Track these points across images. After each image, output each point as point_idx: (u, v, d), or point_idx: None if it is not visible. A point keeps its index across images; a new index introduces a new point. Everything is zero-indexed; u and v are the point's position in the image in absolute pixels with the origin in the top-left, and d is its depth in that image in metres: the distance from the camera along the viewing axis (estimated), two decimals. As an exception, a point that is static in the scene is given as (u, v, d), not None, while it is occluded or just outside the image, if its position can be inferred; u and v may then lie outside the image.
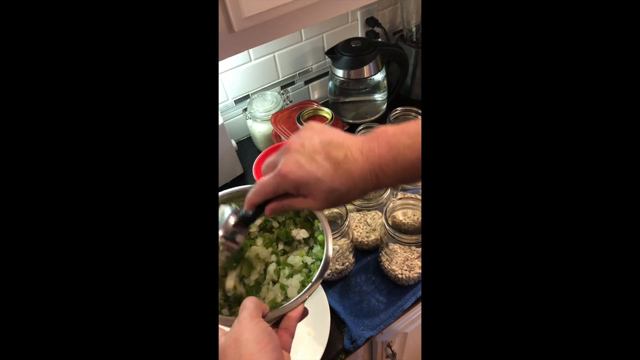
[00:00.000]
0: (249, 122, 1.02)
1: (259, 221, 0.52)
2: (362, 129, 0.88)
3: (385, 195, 0.76)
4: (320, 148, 0.37)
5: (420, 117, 0.91)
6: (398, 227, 0.76)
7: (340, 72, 0.99)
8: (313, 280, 0.44)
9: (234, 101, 1.05)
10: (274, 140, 0.99)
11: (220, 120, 0.88)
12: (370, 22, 1.10)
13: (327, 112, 0.95)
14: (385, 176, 0.37)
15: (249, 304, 0.39)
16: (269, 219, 0.53)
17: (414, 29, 1.09)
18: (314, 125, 0.40)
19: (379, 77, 1.01)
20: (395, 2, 1.15)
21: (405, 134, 0.36)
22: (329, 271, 0.76)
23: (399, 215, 0.77)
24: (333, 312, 0.73)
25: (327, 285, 0.78)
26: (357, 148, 0.37)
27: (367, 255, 0.82)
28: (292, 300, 0.43)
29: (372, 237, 0.81)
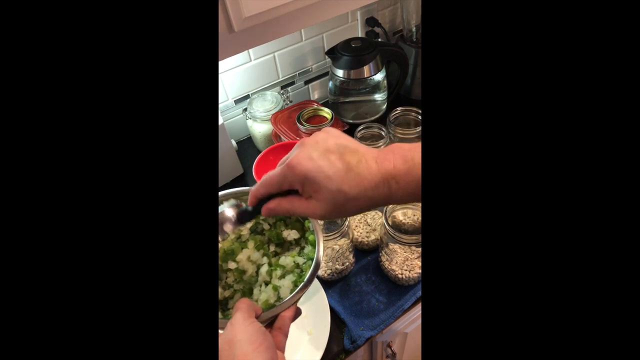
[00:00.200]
0: (249, 122, 1.02)
1: (249, 224, 0.52)
2: (362, 129, 0.88)
3: (385, 195, 0.76)
4: (335, 149, 0.36)
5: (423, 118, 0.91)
6: (398, 227, 0.76)
7: (340, 72, 0.99)
8: (305, 279, 0.45)
9: (234, 101, 1.05)
10: (274, 140, 0.99)
11: (220, 120, 0.88)
12: (370, 22, 1.10)
13: (327, 112, 0.95)
14: (398, 187, 0.35)
15: (242, 306, 0.39)
16: (260, 222, 0.53)
17: (414, 29, 1.09)
18: (332, 130, 0.39)
19: (379, 77, 1.01)
20: (395, 2, 1.15)
21: (419, 149, 0.35)
22: (329, 271, 0.76)
23: (399, 215, 0.77)
24: (333, 312, 0.73)
25: (327, 285, 0.78)
26: (372, 156, 0.36)
27: (367, 255, 0.82)
28: (284, 300, 0.43)
29: (372, 237, 0.81)
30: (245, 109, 1.02)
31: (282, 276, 0.48)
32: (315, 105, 0.98)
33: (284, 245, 0.51)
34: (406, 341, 0.96)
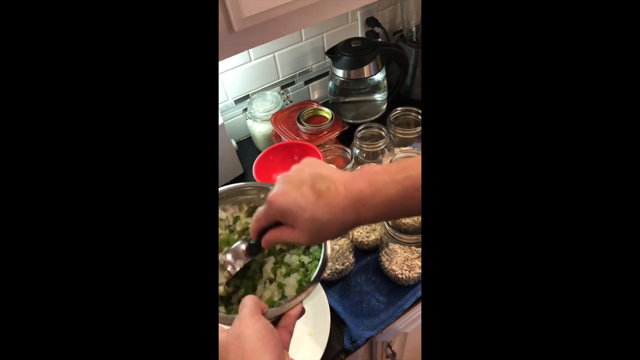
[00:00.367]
0: (249, 122, 1.02)
1: (259, 256, 0.52)
2: (362, 129, 0.88)
3: (385, 195, 0.76)
4: (307, 179, 0.39)
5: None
6: (398, 227, 0.76)
7: (340, 72, 0.99)
8: (312, 279, 0.45)
9: (234, 101, 1.05)
10: (274, 140, 0.99)
11: (220, 120, 0.88)
12: (370, 22, 1.10)
13: (327, 112, 0.95)
14: (365, 210, 0.38)
15: (249, 302, 0.39)
16: None
17: (414, 29, 1.09)
18: (311, 160, 0.43)
19: (379, 77, 1.01)
20: (395, 2, 1.15)
21: (385, 172, 0.38)
22: (328, 271, 0.76)
23: (399, 215, 0.77)
24: (333, 312, 0.73)
25: (327, 285, 0.78)
26: (342, 182, 0.39)
27: (367, 255, 0.82)
28: (291, 299, 0.43)
29: (372, 237, 0.81)
30: (245, 109, 1.02)
31: (287, 274, 0.48)
32: (315, 105, 0.98)
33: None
34: (406, 341, 0.96)
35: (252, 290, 0.48)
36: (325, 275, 0.77)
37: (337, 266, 0.76)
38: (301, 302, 0.43)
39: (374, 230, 0.81)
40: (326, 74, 1.15)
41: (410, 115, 0.91)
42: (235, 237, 0.52)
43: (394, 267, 0.74)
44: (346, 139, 0.95)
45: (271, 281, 0.48)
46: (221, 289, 0.47)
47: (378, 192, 0.37)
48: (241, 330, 0.37)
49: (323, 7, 0.63)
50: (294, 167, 0.42)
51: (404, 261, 0.73)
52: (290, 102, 1.12)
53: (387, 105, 1.07)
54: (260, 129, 1.01)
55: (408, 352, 1.02)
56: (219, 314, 0.44)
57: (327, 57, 1.04)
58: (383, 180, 0.38)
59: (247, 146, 1.10)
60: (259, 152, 0.94)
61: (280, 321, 0.42)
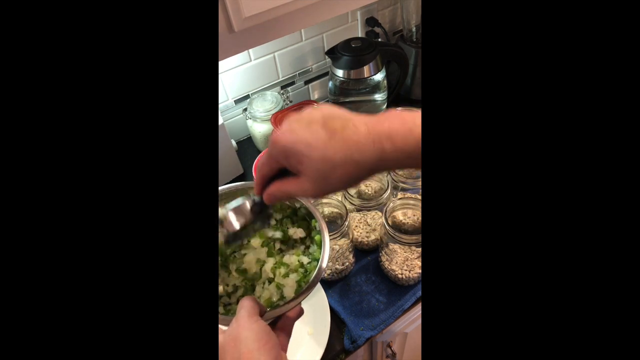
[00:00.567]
0: (249, 122, 1.02)
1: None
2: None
3: (385, 195, 0.76)
4: (319, 118, 0.34)
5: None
6: (398, 227, 0.76)
7: (340, 72, 0.99)
8: (310, 280, 0.44)
9: (234, 101, 1.05)
10: (274, 140, 0.99)
11: (220, 120, 0.88)
12: (370, 22, 1.10)
13: (327, 112, 0.95)
14: (394, 147, 0.32)
15: (247, 303, 0.39)
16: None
17: (414, 29, 1.09)
18: (323, 105, 0.37)
19: (379, 77, 1.01)
20: (395, 2, 1.15)
21: (419, 115, 0.33)
22: (328, 271, 0.76)
23: (399, 215, 0.77)
24: (333, 312, 0.73)
25: (327, 285, 0.78)
26: (362, 121, 0.34)
27: (367, 255, 0.82)
28: (289, 301, 0.42)
29: (372, 237, 0.81)
30: (245, 109, 1.02)
31: (286, 275, 0.47)
32: (315, 105, 0.98)
33: (289, 243, 0.51)
34: (406, 341, 0.96)
35: (251, 290, 0.48)
36: (325, 275, 0.77)
37: (337, 266, 0.76)
38: (299, 303, 0.43)
39: (374, 230, 0.81)
40: (326, 74, 1.15)
41: (410, 115, 0.91)
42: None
43: (394, 267, 0.74)
44: (346, 139, 0.95)
45: (270, 281, 0.48)
46: (220, 288, 0.47)
47: (415, 129, 0.32)
48: (238, 332, 0.36)
49: (323, 7, 0.63)
50: (306, 110, 0.36)
51: (404, 261, 0.73)
52: (290, 102, 1.12)
53: (387, 105, 1.07)
54: (260, 129, 1.01)
55: (408, 352, 1.02)
56: (219, 315, 0.43)
57: (327, 57, 1.04)
58: (419, 121, 0.32)
59: (247, 146, 1.10)
60: (259, 152, 0.94)
61: (278, 322, 0.41)
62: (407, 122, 0.33)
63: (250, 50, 0.99)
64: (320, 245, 0.48)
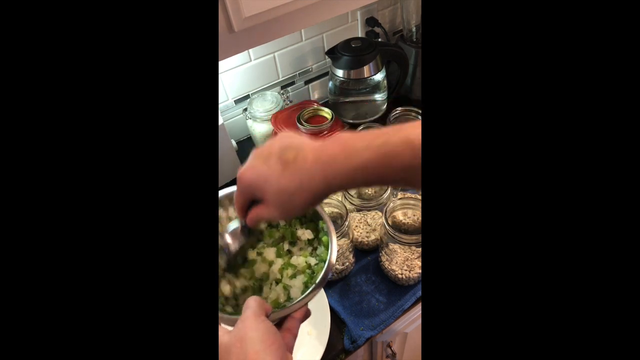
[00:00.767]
0: (249, 122, 1.02)
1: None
2: (362, 129, 0.88)
3: (385, 195, 0.76)
4: (276, 151, 0.39)
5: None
6: (398, 227, 0.76)
7: (340, 72, 0.99)
8: (317, 282, 0.44)
9: (234, 101, 1.05)
10: (274, 140, 0.99)
11: (220, 120, 0.88)
12: (370, 22, 1.10)
13: (327, 112, 0.95)
14: (334, 175, 0.36)
15: (253, 303, 0.39)
16: None
17: (414, 29, 1.09)
18: (286, 133, 0.42)
19: (379, 77, 1.01)
20: (395, 2, 1.15)
21: (361, 137, 0.37)
22: (329, 271, 0.76)
23: (399, 215, 0.77)
24: (333, 312, 0.73)
25: (327, 285, 0.78)
26: (311, 150, 0.38)
27: (367, 255, 0.82)
28: (296, 301, 0.42)
29: (372, 237, 0.81)
30: (245, 109, 1.02)
31: (293, 276, 0.47)
32: (315, 105, 0.98)
33: (297, 244, 0.51)
34: (406, 341, 0.96)
35: (259, 291, 0.48)
36: (333, 267, 0.77)
37: (337, 266, 0.76)
38: (306, 304, 0.43)
39: (374, 230, 0.81)
40: (326, 74, 1.15)
41: (410, 115, 0.91)
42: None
43: (394, 267, 0.74)
44: (346, 139, 0.95)
45: (277, 282, 0.48)
46: (227, 288, 0.47)
47: (352, 157, 0.36)
48: (244, 332, 0.36)
49: (323, 7, 0.63)
50: (267, 142, 0.42)
51: (404, 261, 0.73)
52: (290, 102, 1.12)
53: (387, 105, 1.07)
54: (260, 129, 1.01)
55: (408, 352, 1.02)
56: (224, 315, 0.43)
57: (327, 57, 1.04)
58: (358, 146, 0.36)
59: (247, 146, 1.10)
60: (259, 152, 0.94)
61: (284, 323, 0.41)
62: (346, 149, 0.36)
63: (250, 50, 0.99)
64: (327, 246, 0.48)
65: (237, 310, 0.46)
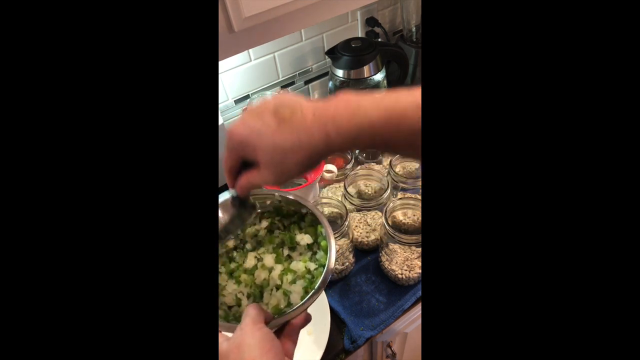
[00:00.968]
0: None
1: (264, 223, 0.52)
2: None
3: (385, 195, 0.76)
4: (270, 107, 0.36)
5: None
6: (398, 227, 0.76)
7: (340, 72, 0.99)
8: (316, 287, 0.44)
9: (234, 101, 1.05)
10: (274, 140, 0.99)
11: (221, 121, 0.88)
12: (370, 22, 1.10)
13: (327, 112, 0.95)
14: (337, 132, 0.34)
15: (252, 311, 0.39)
16: (275, 222, 0.53)
17: (414, 29, 1.09)
18: (284, 93, 0.40)
19: (379, 77, 1.01)
20: (395, 2, 1.15)
21: (368, 96, 0.34)
22: (329, 271, 0.76)
23: (399, 215, 0.77)
24: (333, 312, 0.73)
25: (327, 285, 0.78)
26: (311, 106, 0.35)
27: (367, 255, 0.82)
28: (294, 308, 0.42)
29: (372, 237, 0.81)
30: (246, 109, 1.02)
31: (293, 281, 0.47)
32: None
33: (296, 249, 0.51)
34: (406, 341, 0.96)
35: (260, 297, 0.48)
36: (332, 272, 0.77)
37: (337, 266, 0.76)
38: (305, 310, 0.42)
39: (374, 230, 0.81)
40: (326, 74, 1.15)
41: (410, 115, 0.91)
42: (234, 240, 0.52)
43: (394, 267, 0.74)
44: (346, 139, 0.95)
45: (278, 288, 0.48)
46: (230, 298, 0.47)
47: (358, 115, 0.33)
48: (242, 339, 0.36)
49: (323, 7, 0.63)
50: (260, 100, 0.39)
51: (404, 261, 0.73)
52: (292, 101, 1.12)
53: (387, 105, 1.07)
54: (260, 129, 1.01)
55: (408, 352, 1.02)
56: (224, 322, 0.43)
57: (327, 57, 1.04)
58: (365, 104, 0.34)
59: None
60: (259, 152, 0.94)
61: (284, 330, 0.41)
62: (351, 105, 0.34)
63: (250, 50, 0.99)
64: (326, 251, 0.48)
65: (239, 317, 0.46)
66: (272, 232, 0.52)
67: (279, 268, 0.49)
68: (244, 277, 0.49)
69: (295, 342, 0.41)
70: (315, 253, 0.50)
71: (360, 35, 1.13)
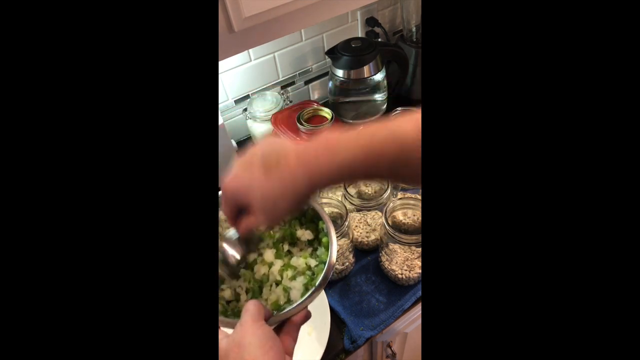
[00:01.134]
0: (249, 122, 1.02)
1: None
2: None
3: (385, 195, 0.76)
4: (258, 158, 0.38)
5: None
6: (398, 227, 0.76)
7: (340, 72, 0.99)
8: (317, 284, 0.44)
9: (234, 101, 1.05)
10: (274, 140, 0.99)
11: (220, 121, 0.88)
12: (370, 22, 1.10)
13: (327, 112, 0.95)
14: (319, 174, 0.36)
15: (251, 307, 0.38)
16: None
17: (414, 29, 1.09)
18: (269, 138, 0.42)
19: (379, 77, 1.00)
20: (395, 2, 1.15)
21: (345, 135, 0.36)
22: (329, 271, 0.76)
23: (399, 215, 0.77)
24: (333, 312, 0.73)
25: (327, 285, 0.78)
26: (294, 152, 0.37)
27: (367, 255, 0.82)
28: (295, 305, 0.42)
29: (372, 237, 0.81)
30: (245, 109, 1.02)
31: (293, 277, 0.47)
32: (315, 105, 0.98)
33: (297, 245, 0.51)
34: (406, 341, 0.96)
35: (259, 292, 0.48)
36: (334, 268, 0.77)
37: (337, 266, 0.76)
38: (305, 307, 0.42)
39: (374, 230, 0.81)
40: (326, 74, 1.15)
41: (410, 115, 0.91)
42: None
43: (394, 267, 0.74)
44: (346, 139, 0.94)
45: (277, 284, 0.47)
46: (228, 292, 0.47)
47: (337, 155, 0.36)
48: (242, 337, 0.36)
49: (323, 7, 0.63)
50: (250, 148, 0.41)
51: (404, 261, 0.73)
52: (290, 102, 1.12)
53: (387, 105, 1.07)
54: (260, 129, 1.01)
55: (408, 352, 1.02)
56: (223, 318, 0.43)
57: (327, 57, 1.04)
58: (343, 144, 0.36)
59: (247, 146, 1.10)
60: (259, 152, 0.93)
61: (283, 327, 0.41)
62: (331, 147, 0.36)
63: (250, 50, 0.99)
64: (327, 247, 0.47)
65: (237, 312, 0.46)
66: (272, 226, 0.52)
67: (278, 263, 0.48)
68: (243, 271, 0.48)
69: (295, 339, 0.41)
70: (315, 249, 0.50)
71: (360, 35, 1.13)
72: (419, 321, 0.91)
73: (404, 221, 0.77)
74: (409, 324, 0.89)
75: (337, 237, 0.70)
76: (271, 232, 0.51)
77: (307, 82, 1.14)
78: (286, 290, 0.46)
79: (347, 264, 0.77)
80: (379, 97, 1.04)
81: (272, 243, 0.50)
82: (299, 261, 0.48)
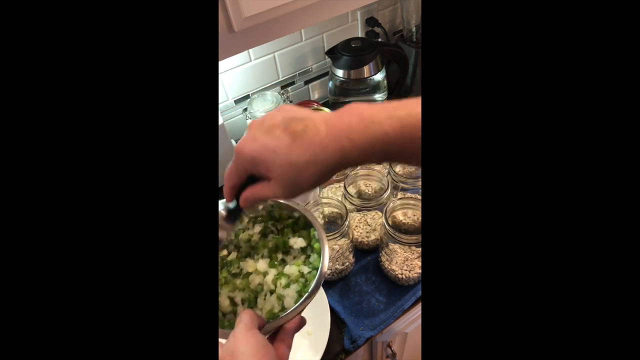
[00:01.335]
0: (249, 122, 1.02)
1: (257, 228, 0.52)
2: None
3: (385, 195, 0.76)
4: (280, 123, 0.35)
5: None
6: (398, 227, 0.76)
7: (340, 72, 0.99)
8: (309, 291, 0.44)
9: (234, 101, 1.05)
10: (274, 140, 0.99)
11: (220, 120, 0.88)
12: (370, 22, 1.10)
13: (327, 112, 0.95)
14: (352, 145, 0.33)
15: (245, 317, 0.39)
16: (269, 225, 0.53)
17: (414, 29, 1.09)
18: (285, 106, 0.38)
19: (379, 77, 1.01)
20: (395, 2, 1.15)
21: (381, 107, 0.33)
22: (328, 271, 0.76)
23: (399, 215, 0.77)
24: (333, 312, 0.73)
25: (327, 285, 0.78)
26: (322, 120, 0.34)
27: (367, 255, 0.82)
28: (287, 312, 0.42)
29: (372, 237, 0.81)
30: (246, 109, 1.02)
31: (287, 285, 0.47)
32: (315, 105, 0.98)
33: (290, 253, 0.51)
34: (406, 341, 0.96)
35: (254, 302, 0.48)
36: (325, 276, 0.77)
37: (337, 266, 0.76)
38: (299, 313, 0.42)
39: (374, 230, 0.81)
40: (326, 74, 1.15)
41: (410, 115, 0.91)
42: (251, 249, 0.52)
43: (394, 267, 0.74)
44: (346, 139, 0.95)
45: (271, 292, 0.48)
46: (226, 303, 0.47)
47: (372, 127, 0.32)
48: (236, 347, 0.36)
49: (323, 7, 0.63)
50: (267, 113, 0.37)
51: (404, 261, 0.73)
52: (290, 102, 1.12)
53: (387, 105, 1.07)
54: (260, 129, 1.01)
55: (408, 352, 1.02)
56: (219, 329, 0.43)
57: (327, 57, 1.04)
58: (378, 116, 0.32)
59: (247, 146, 1.10)
60: (259, 152, 0.93)
61: (277, 335, 0.41)
62: (365, 118, 0.33)
63: (250, 50, 0.99)
64: (319, 254, 0.48)
65: (233, 323, 0.46)
66: (265, 236, 0.52)
67: (272, 272, 0.49)
68: (238, 281, 0.49)
69: (289, 346, 0.40)
70: (309, 256, 0.50)
71: (360, 35, 1.13)
72: (419, 321, 0.91)
73: (404, 221, 0.77)
74: (409, 324, 0.89)
75: (337, 237, 0.70)
76: (265, 241, 0.51)
77: (307, 82, 1.14)
78: (280, 298, 0.46)
79: (347, 264, 0.77)
80: (379, 97, 1.04)
81: (266, 252, 0.51)
82: (292, 269, 0.48)
